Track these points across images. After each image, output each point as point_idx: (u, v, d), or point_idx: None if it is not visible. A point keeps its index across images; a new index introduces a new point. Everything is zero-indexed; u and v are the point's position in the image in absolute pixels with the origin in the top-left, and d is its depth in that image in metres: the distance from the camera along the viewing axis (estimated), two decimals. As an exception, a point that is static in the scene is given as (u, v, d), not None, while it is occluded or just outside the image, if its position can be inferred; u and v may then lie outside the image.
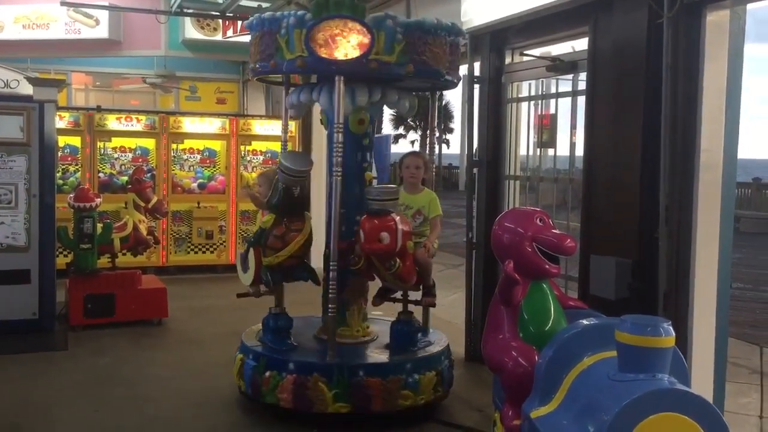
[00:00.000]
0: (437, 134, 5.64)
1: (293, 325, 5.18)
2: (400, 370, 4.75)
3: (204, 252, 10.35)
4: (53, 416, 4.91)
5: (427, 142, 5.87)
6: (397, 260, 4.63)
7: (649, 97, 4.46)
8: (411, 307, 5.18)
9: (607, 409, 2.68)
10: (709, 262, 4.43)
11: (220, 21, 11.48)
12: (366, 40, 4.51)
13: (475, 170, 6.40)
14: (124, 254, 7.71)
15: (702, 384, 4.30)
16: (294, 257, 5.06)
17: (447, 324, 6.72)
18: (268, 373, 4.81)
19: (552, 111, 5.83)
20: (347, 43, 4.53)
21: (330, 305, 4.70)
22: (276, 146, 10.72)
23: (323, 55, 4.55)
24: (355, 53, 4.54)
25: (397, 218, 4.62)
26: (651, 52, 4.45)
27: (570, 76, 5.54)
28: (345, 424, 4.73)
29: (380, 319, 5.62)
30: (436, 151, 4.95)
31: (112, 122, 9.94)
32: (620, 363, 2.84)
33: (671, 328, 2.81)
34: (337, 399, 4.63)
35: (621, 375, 2.81)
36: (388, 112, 40.60)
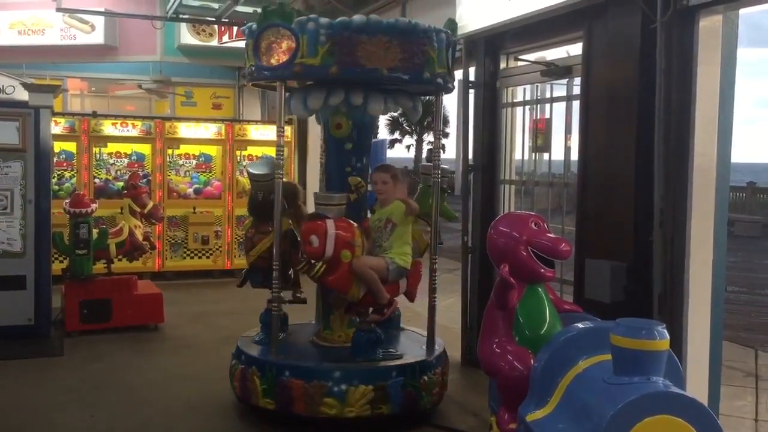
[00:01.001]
0: (435, 138, 5.55)
1: (288, 323, 5.38)
2: (326, 377, 4.63)
3: (200, 257, 10.33)
4: (49, 422, 4.90)
5: (433, 146, 5.79)
6: (319, 264, 4.62)
7: (643, 102, 4.48)
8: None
9: (603, 412, 2.70)
10: (703, 266, 4.45)
11: (216, 27, 11.50)
12: (293, 44, 4.63)
13: (470, 175, 6.42)
14: (119, 260, 7.71)
15: (697, 387, 4.32)
16: (264, 258, 5.23)
17: (443, 328, 6.72)
18: (233, 362, 5.14)
19: (547, 115, 5.85)
20: (279, 49, 4.66)
21: (274, 304, 4.90)
22: (272, 151, 10.75)
23: (263, 63, 4.72)
24: (284, 58, 4.65)
25: (330, 223, 4.60)
26: (644, 56, 4.47)
27: (564, 81, 5.56)
28: (342, 430, 4.74)
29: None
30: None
31: (108, 128, 9.92)
32: (615, 366, 2.86)
33: (666, 331, 2.83)
34: (265, 394, 4.79)
35: (616, 378, 2.83)
36: (383, 117, 40.61)
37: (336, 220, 4.66)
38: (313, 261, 4.66)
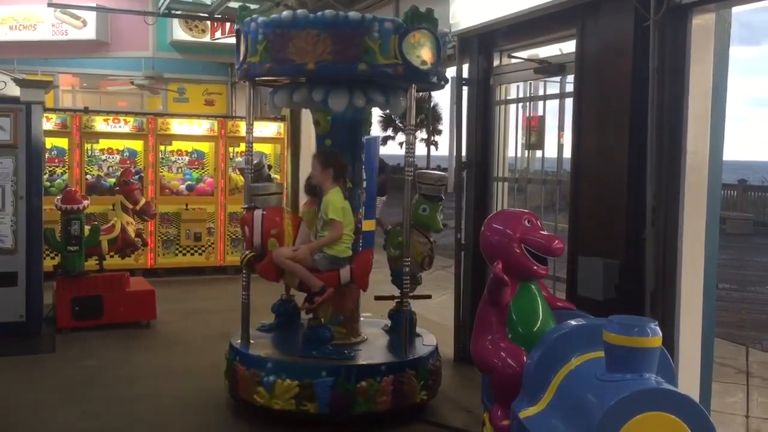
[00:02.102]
0: (407, 134, 5.46)
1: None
2: (260, 366, 4.82)
3: (192, 254, 10.31)
4: (40, 419, 4.89)
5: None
6: (248, 252, 4.92)
7: (636, 99, 4.49)
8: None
9: (595, 408, 2.71)
10: (695, 263, 4.47)
11: (209, 22, 11.47)
12: (242, 47, 4.84)
13: (463, 172, 6.42)
14: (111, 256, 7.69)
15: (689, 383, 4.34)
16: None
17: (436, 325, 6.74)
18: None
19: (540, 113, 5.86)
20: (240, 50, 4.95)
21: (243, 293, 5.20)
22: (265, 148, 10.72)
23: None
24: (240, 58, 4.94)
25: (257, 213, 4.88)
26: (637, 54, 4.48)
27: (558, 79, 5.57)
28: (330, 425, 4.75)
29: (372, 320, 5.72)
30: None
31: (100, 124, 9.88)
32: (608, 363, 2.86)
33: (658, 328, 2.83)
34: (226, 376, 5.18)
35: (609, 375, 2.83)
36: (376, 114, 40.67)
37: (266, 210, 4.92)
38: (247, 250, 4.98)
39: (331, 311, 5.12)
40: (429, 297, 5.74)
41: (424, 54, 4.69)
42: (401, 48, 4.62)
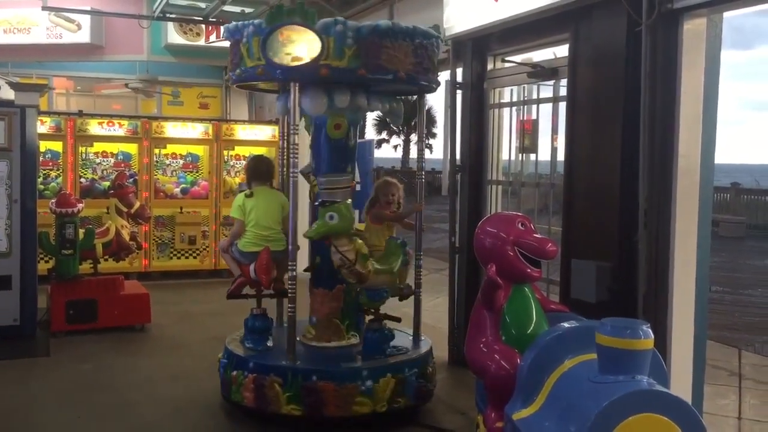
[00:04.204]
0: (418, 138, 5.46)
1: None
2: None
3: (187, 257, 10.31)
4: (35, 423, 4.88)
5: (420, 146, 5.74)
6: None
7: (628, 103, 4.53)
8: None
9: (588, 410, 2.73)
10: (687, 266, 4.50)
11: (203, 26, 11.46)
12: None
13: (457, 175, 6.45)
14: (106, 260, 7.68)
15: (681, 385, 4.37)
16: None
17: (431, 328, 6.75)
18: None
19: (533, 116, 5.89)
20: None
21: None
22: (260, 151, 10.73)
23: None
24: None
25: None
26: (630, 58, 4.52)
27: (551, 82, 5.60)
28: (323, 428, 4.75)
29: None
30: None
31: (94, 127, 9.88)
32: (600, 365, 2.89)
33: (650, 330, 2.86)
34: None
35: (601, 377, 2.85)
36: (370, 117, 40.63)
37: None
38: None
39: (309, 311, 5.29)
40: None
41: (295, 50, 4.60)
42: (264, 48, 4.63)
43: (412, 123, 38.55)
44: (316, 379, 4.68)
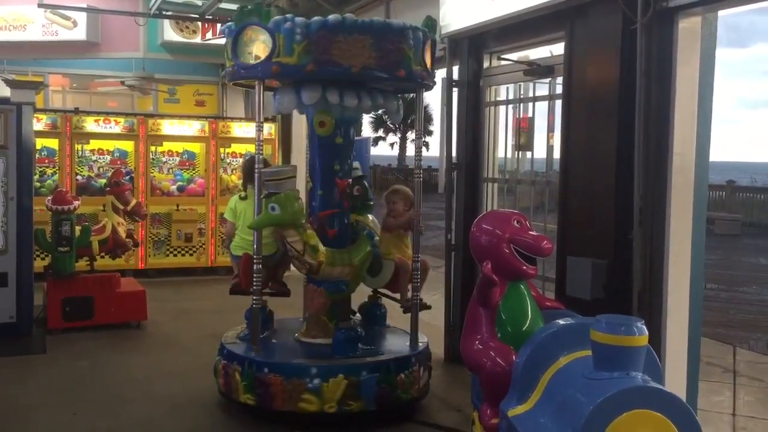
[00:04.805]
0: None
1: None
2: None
3: (183, 255, 10.31)
4: (31, 420, 4.89)
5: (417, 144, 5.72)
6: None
7: (624, 101, 4.54)
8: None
9: (583, 406, 2.74)
10: (682, 263, 4.52)
11: (199, 23, 11.45)
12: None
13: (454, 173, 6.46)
14: (102, 257, 7.67)
15: (676, 382, 4.39)
16: None
17: (426, 325, 6.75)
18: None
19: (529, 114, 5.90)
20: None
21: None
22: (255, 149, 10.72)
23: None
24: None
25: None
26: (625, 57, 4.53)
27: (547, 80, 5.61)
28: (322, 426, 4.77)
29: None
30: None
31: (90, 124, 9.87)
32: (595, 362, 2.90)
33: (645, 327, 2.88)
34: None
35: (596, 373, 2.87)
36: (367, 115, 40.58)
37: None
38: None
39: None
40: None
41: (255, 49, 4.71)
42: (234, 49, 4.79)
43: (409, 121, 38.59)
44: (267, 372, 4.75)
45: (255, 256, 4.89)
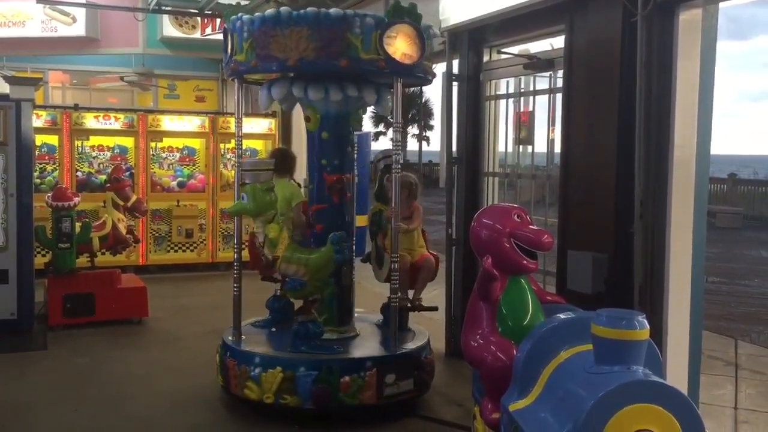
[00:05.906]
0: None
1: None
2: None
3: (184, 251, 10.31)
4: (33, 416, 4.89)
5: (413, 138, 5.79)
6: None
7: (624, 94, 4.52)
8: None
9: (584, 400, 2.73)
10: (683, 256, 4.51)
11: (199, 19, 11.43)
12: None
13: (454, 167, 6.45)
14: (103, 253, 7.68)
15: (677, 376, 4.38)
16: None
17: (427, 319, 6.76)
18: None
19: (530, 108, 5.88)
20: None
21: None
22: (256, 144, 10.73)
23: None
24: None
25: None
26: (625, 49, 4.51)
27: (547, 74, 5.59)
28: (324, 421, 4.77)
29: (365, 316, 5.78)
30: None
31: (90, 120, 9.86)
32: (596, 356, 2.89)
33: (646, 321, 2.86)
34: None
35: (597, 367, 2.86)
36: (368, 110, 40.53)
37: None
38: None
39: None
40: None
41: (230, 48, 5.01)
42: (224, 48, 5.10)
43: (410, 115, 38.57)
44: (228, 356, 5.00)
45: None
